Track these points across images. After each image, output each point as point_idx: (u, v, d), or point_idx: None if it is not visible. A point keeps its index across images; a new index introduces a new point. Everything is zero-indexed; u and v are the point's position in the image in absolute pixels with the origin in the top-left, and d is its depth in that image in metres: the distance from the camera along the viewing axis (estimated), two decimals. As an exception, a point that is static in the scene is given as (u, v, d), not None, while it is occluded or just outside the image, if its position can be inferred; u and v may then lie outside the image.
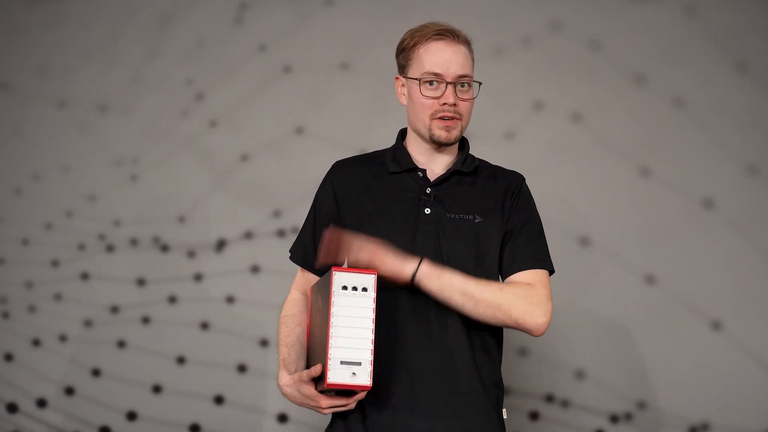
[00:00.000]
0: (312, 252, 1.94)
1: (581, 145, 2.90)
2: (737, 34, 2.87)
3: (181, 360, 3.02)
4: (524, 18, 2.99)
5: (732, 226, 2.78)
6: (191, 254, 3.07)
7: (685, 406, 2.72)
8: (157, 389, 3.01)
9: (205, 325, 3.03)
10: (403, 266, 1.75)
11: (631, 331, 2.78)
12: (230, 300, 3.02)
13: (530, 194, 1.97)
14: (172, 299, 3.06)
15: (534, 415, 2.80)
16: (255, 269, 3.02)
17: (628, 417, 2.75)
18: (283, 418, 2.92)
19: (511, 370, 2.85)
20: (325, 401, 1.74)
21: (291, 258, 2.01)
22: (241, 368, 2.97)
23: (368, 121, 3.00)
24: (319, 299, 1.79)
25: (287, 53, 3.13)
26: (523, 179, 1.98)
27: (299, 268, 2.00)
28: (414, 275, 1.75)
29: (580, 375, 2.80)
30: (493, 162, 2.04)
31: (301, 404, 1.79)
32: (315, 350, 1.80)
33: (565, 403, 2.79)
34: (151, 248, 3.10)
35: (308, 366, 1.82)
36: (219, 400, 2.97)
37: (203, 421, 2.97)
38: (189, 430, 2.97)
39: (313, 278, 1.96)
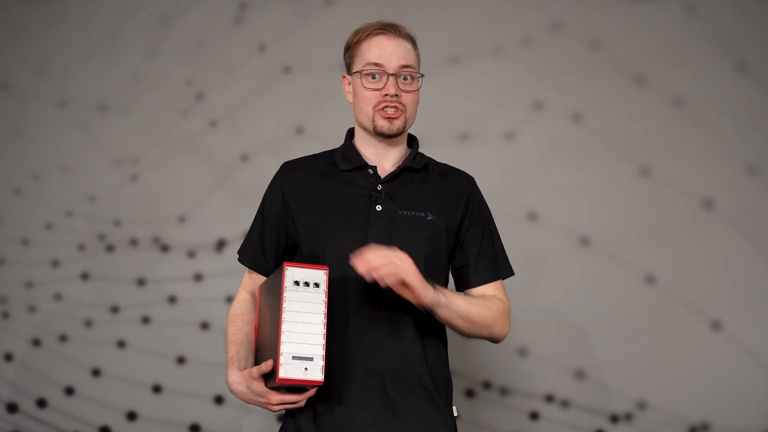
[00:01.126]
0: (260, 253, 1.96)
1: (581, 145, 2.90)
2: (737, 34, 2.87)
3: (181, 360, 3.02)
4: (524, 18, 2.99)
5: (732, 226, 2.78)
6: (191, 254, 3.07)
7: (685, 406, 2.72)
8: (157, 389, 3.01)
9: (205, 325, 3.03)
10: (425, 292, 1.73)
11: (631, 331, 2.78)
12: (230, 300, 3.02)
13: (483, 197, 1.99)
14: (172, 299, 3.06)
15: (534, 415, 2.80)
16: (255, 269, 3.02)
17: (628, 417, 2.75)
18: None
19: (511, 370, 2.85)
20: (275, 397, 1.73)
21: (239, 260, 2.02)
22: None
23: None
24: (269, 297, 1.79)
25: (287, 53, 3.13)
26: (474, 181, 1.99)
27: (247, 269, 2.01)
28: (433, 303, 1.75)
29: (580, 375, 2.80)
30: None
31: (250, 401, 1.79)
32: (264, 348, 1.80)
33: (565, 403, 2.79)
34: (151, 248, 3.10)
35: (257, 364, 1.82)
36: (219, 400, 2.97)
37: (203, 421, 2.97)
38: (189, 430, 2.97)
39: (261, 279, 1.97)
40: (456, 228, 1.90)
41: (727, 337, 2.73)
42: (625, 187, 2.85)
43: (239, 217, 3.05)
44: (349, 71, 1.95)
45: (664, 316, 2.77)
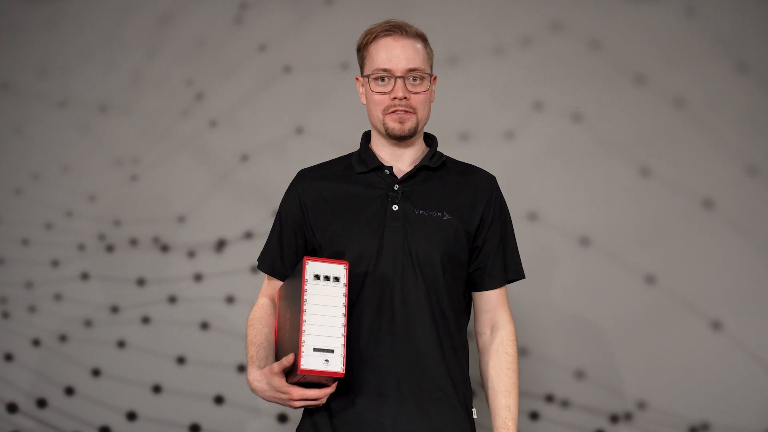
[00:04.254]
0: (279, 260, 1.97)
1: (581, 145, 2.90)
2: (737, 34, 2.87)
3: (181, 360, 3.02)
4: (524, 18, 2.99)
5: (732, 226, 2.78)
6: (191, 254, 3.07)
7: (685, 406, 2.72)
8: (157, 389, 3.01)
9: (205, 325, 3.03)
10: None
11: (631, 331, 2.78)
12: (230, 300, 3.02)
13: (503, 197, 1.99)
14: (172, 299, 3.06)
15: (534, 415, 2.80)
16: (255, 269, 3.02)
17: (628, 417, 2.75)
18: (283, 418, 2.92)
19: (511, 370, 2.85)
20: (296, 392, 1.73)
21: (259, 267, 2.02)
22: (241, 368, 2.98)
23: (368, 121, 2.99)
24: (289, 296, 1.81)
25: (287, 53, 3.13)
26: (495, 180, 1.98)
27: (266, 275, 2.02)
28: None
29: (580, 375, 2.80)
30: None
31: (271, 398, 1.79)
32: (285, 346, 1.81)
33: (565, 403, 2.79)
34: (151, 248, 3.10)
35: None
36: (219, 400, 2.97)
37: (203, 421, 2.97)
38: (189, 430, 2.97)
39: (280, 285, 1.98)
40: (474, 229, 1.90)
41: (727, 337, 2.73)
42: (625, 187, 2.85)
43: (239, 217, 3.06)
44: (361, 73, 1.94)
45: (664, 316, 2.77)
